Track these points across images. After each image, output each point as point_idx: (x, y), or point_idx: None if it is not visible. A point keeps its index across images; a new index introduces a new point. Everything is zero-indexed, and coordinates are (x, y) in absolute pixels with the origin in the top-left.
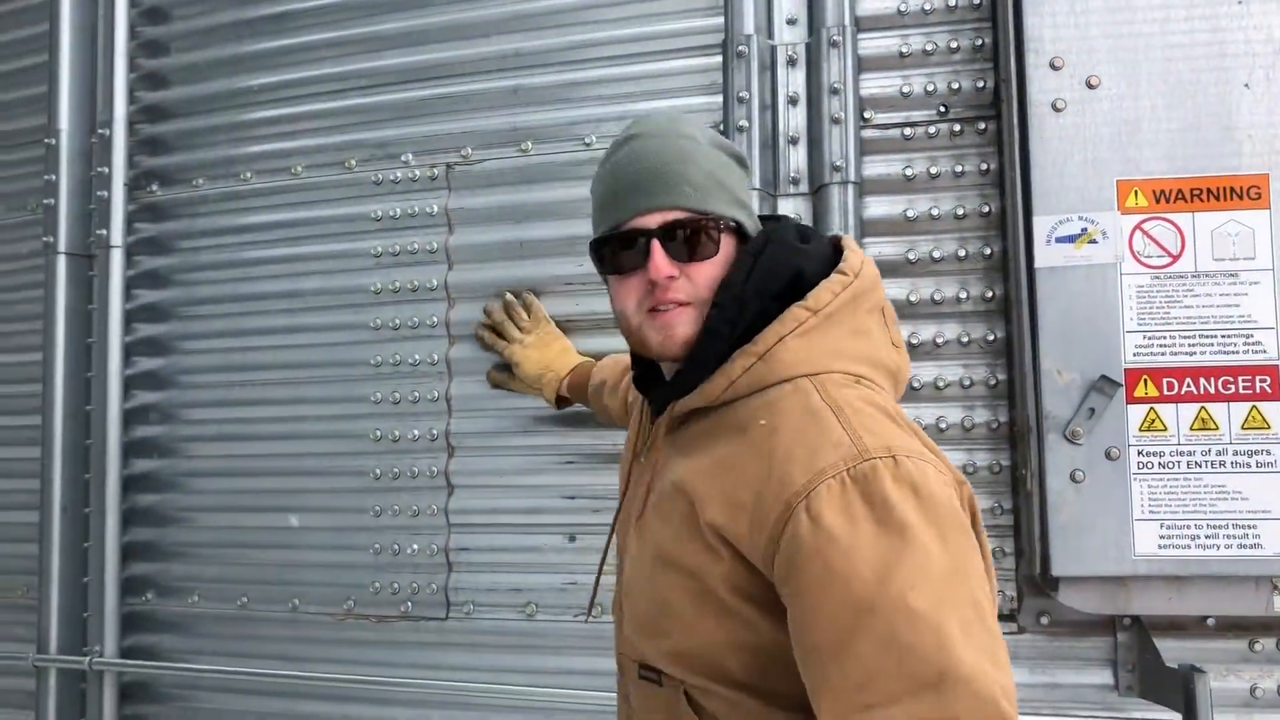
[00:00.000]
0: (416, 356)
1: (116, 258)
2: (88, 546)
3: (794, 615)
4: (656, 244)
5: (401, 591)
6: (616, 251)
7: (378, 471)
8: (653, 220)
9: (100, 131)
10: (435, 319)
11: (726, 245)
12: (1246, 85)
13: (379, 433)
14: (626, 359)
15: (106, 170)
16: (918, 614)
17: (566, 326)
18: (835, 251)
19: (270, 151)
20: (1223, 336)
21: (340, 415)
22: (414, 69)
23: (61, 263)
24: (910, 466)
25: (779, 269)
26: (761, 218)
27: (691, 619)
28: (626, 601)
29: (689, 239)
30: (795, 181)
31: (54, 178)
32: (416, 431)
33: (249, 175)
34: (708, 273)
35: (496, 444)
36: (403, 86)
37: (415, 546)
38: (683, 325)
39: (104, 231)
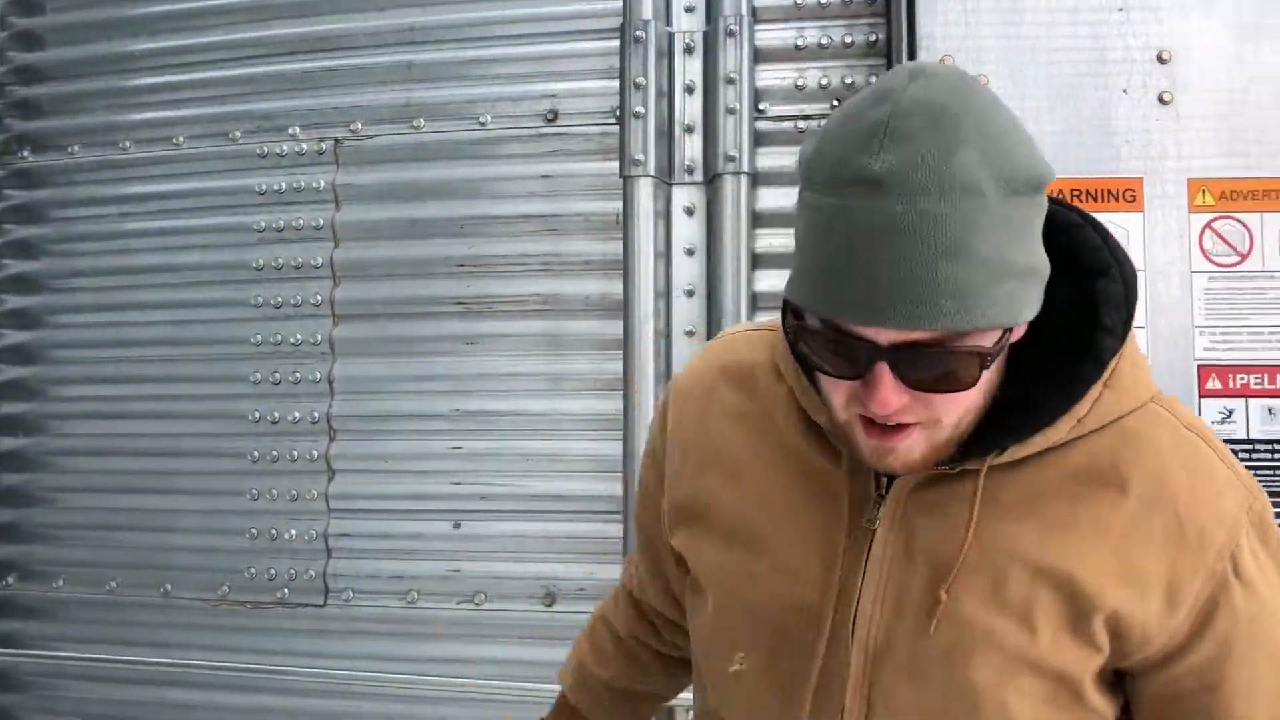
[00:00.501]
0: (299, 336)
1: None
2: None
3: (1209, 703)
4: (885, 370)
5: (278, 577)
6: (823, 344)
7: (256, 454)
8: (884, 337)
9: None
10: (320, 297)
11: (990, 368)
12: (1125, 91)
13: (258, 414)
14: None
15: None
16: None
17: (458, 310)
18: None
19: (151, 120)
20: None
21: (218, 395)
22: (304, 40)
23: None
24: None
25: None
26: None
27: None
28: None
29: (936, 367)
30: (690, 170)
31: None
32: (297, 413)
33: (128, 144)
34: (960, 400)
35: (381, 428)
36: (291, 58)
37: (293, 532)
38: (913, 450)
39: None
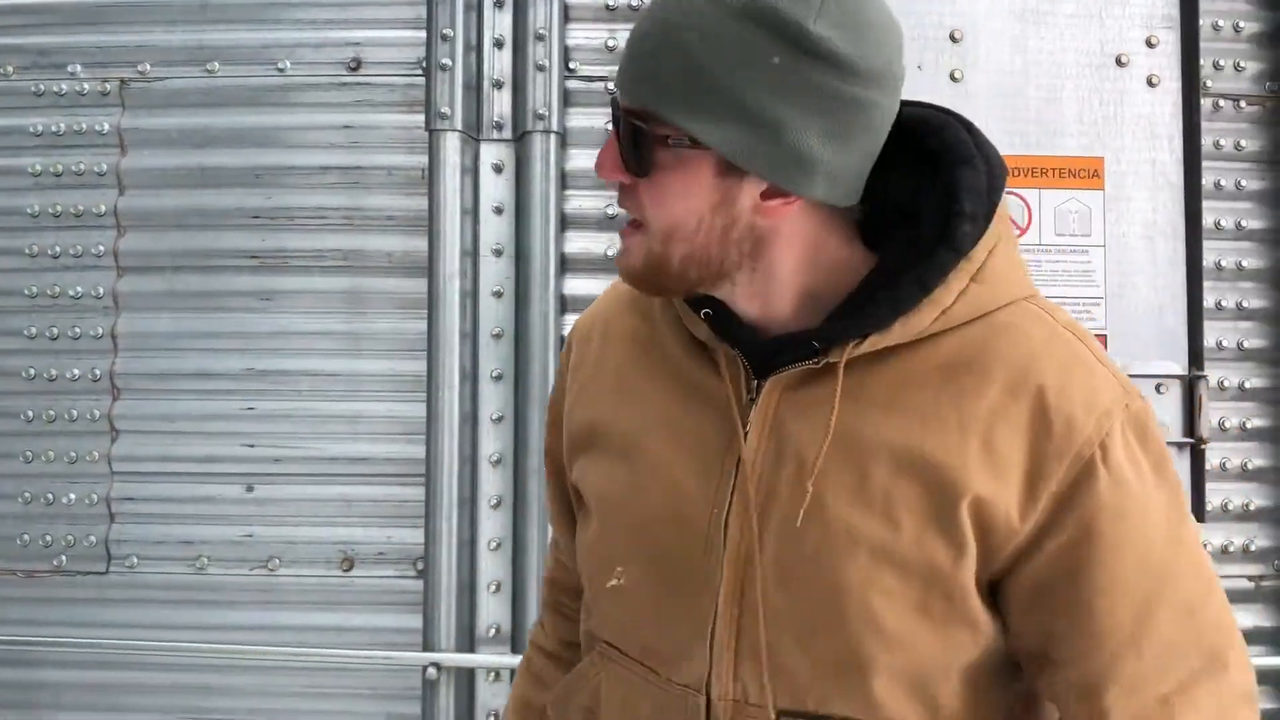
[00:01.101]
0: (79, 288)
1: None
2: None
3: (1069, 589)
4: (612, 134)
5: (55, 544)
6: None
7: (30, 414)
8: (621, 104)
9: None
10: (102, 248)
11: (688, 167)
12: (919, 67)
13: (33, 371)
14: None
15: None
16: (1207, 578)
17: (252, 265)
18: None
19: None
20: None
21: None
22: None
23: None
24: (1147, 406)
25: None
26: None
27: (910, 634)
28: (765, 627)
29: (626, 147)
30: (499, 126)
31: None
32: (77, 370)
33: None
34: (648, 195)
35: (169, 386)
36: None
37: (72, 495)
38: (632, 251)
39: None
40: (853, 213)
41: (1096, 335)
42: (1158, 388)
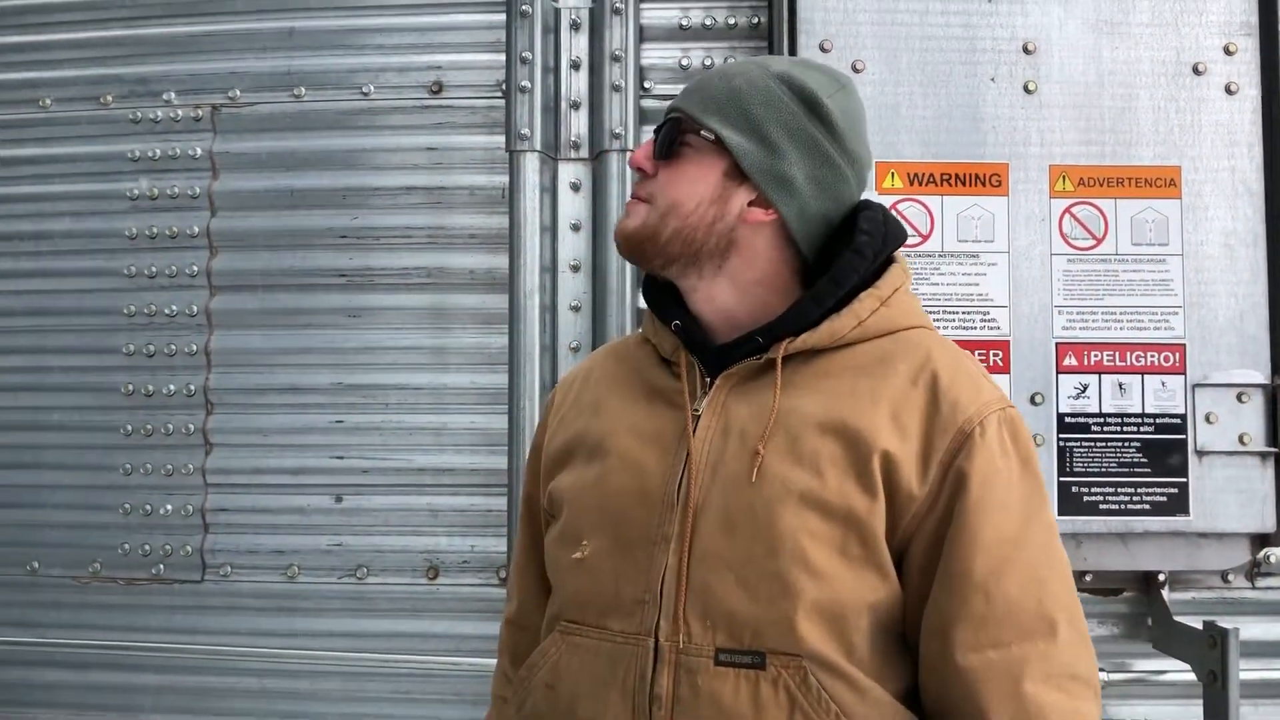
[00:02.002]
0: (174, 307)
1: None
2: None
3: (943, 542)
4: (651, 134)
5: (153, 553)
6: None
7: (129, 428)
8: (670, 112)
9: None
10: (196, 268)
11: (703, 162)
12: (992, 79)
13: (131, 386)
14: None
15: None
16: (1055, 557)
17: (340, 283)
18: None
19: (14, 81)
20: (963, 313)
21: (90, 367)
22: (181, 3)
23: None
24: (1020, 419)
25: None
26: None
27: (831, 571)
28: (709, 570)
29: (663, 137)
30: (576, 146)
31: None
32: (172, 386)
33: None
34: (666, 177)
35: (261, 401)
36: (167, 20)
37: (169, 507)
38: (634, 215)
39: None
40: (802, 265)
41: (1175, 345)
42: (1239, 396)
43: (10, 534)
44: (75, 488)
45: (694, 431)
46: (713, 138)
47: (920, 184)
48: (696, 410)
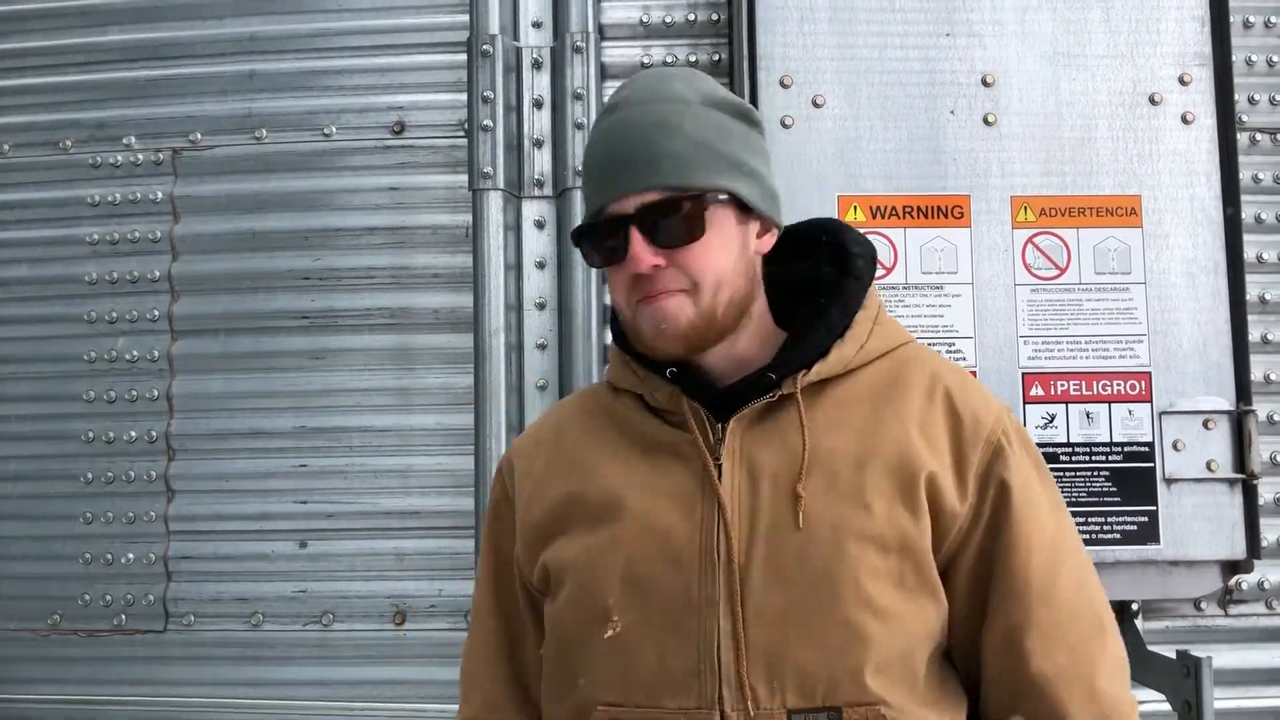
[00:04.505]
0: (135, 352)
1: None
2: None
3: (992, 554)
4: (635, 232)
5: (115, 603)
6: (599, 241)
7: (89, 475)
8: (630, 204)
9: None
10: (157, 312)
11: (723, 221)
12: (952, 112)
13: (91, 434)
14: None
15: None
16: (1083, 551)
17: (303, 325)
18: None
19: None
20: (929, 344)
21: (48, 415)
22: (140, 47)
23: None
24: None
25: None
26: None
27: (896, 608)
28: (768, 628)
29: (671, 222)
30: (540, 184)
31: None
32: (134, 432)
33: None
34: (700, 256)
35: (223, 446)
36: (126, 65)
37: (131, 555)
38: (680, 312)
39: None
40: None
41: (1140, 373)
42: (1205, 424)
43: None
44: (34, 538)
45: (721, 482)
46: (725, 197)
47: (883, 217)
48: (717, 461)
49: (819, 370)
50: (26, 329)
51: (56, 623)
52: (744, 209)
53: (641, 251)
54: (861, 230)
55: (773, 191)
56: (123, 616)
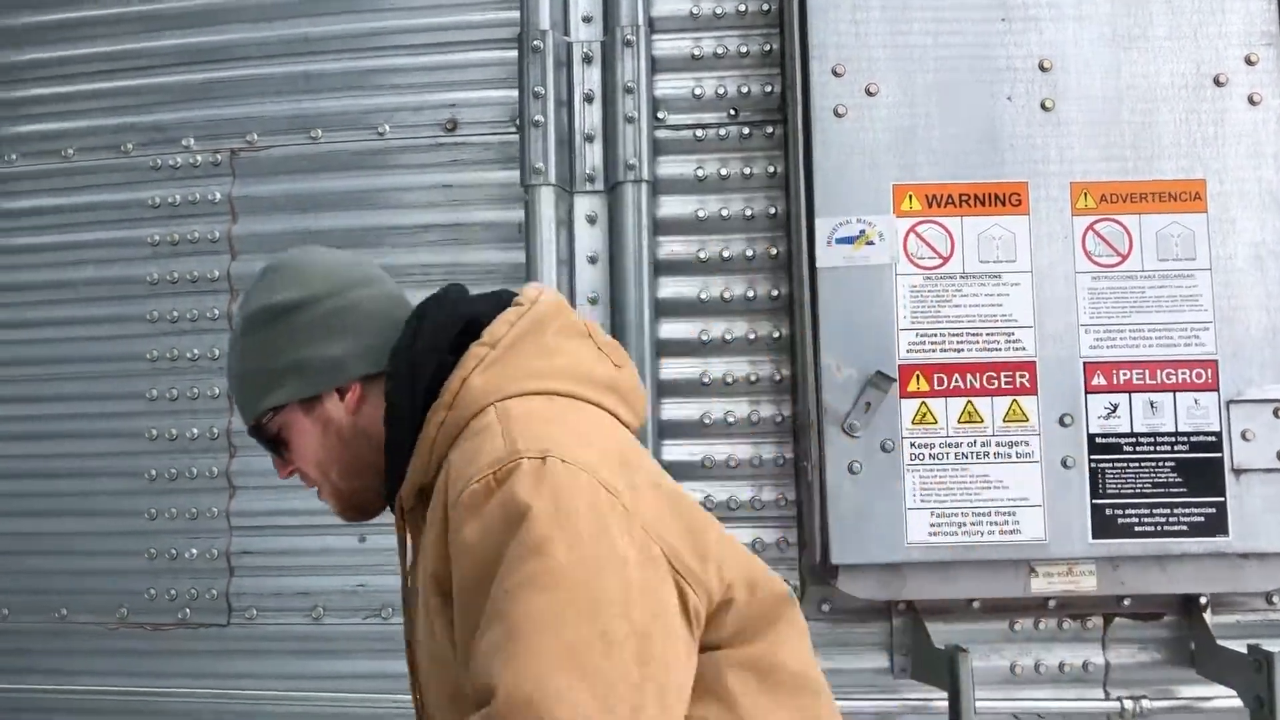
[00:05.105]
0: (196, 351)
1: None
2: None
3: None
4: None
5: (179, 597)
6: None
7: (153, 472)
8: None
9: None
10: (217, 311)
11: (293, 423)
12: (1009, 98)
13: (155, 431)
14: None
15: None
16: (519, 627)
17: None
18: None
19: (39, 132)
20: (987, 335)
21: (113, 413)
22: (197, 50)
23: None
24: (560, 470)
25: (446, 321)
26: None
27: (455, 690)
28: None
29: (265, 445)
30: (591, 179)
31: None
32: (196, 430)
33: (14, 157)
34: (299, 460)
35: None
36: (185, 68)
37: (194, 550)
38: (329, 501)
39: None
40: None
41: (1206, 361)
42: (1276, 412)
43: (38, 581)
44: (101, 534)
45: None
46: (271, 413)
47: (939, 205)
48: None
49: (406, 487)
50: (91, 329)
51: (124, 616)
52: (306, 400)
53: (277, 467)
54: (917, 220)
55: (333, 360)
56: (187, 610)
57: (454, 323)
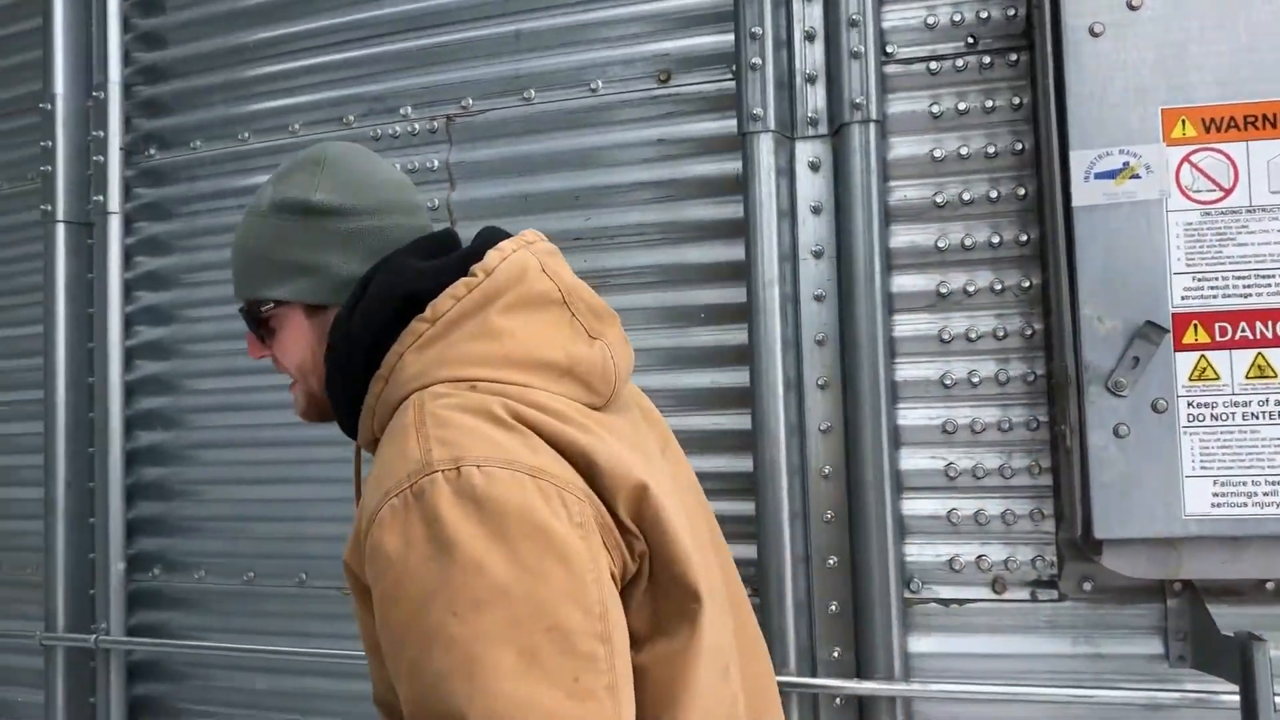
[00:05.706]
0: None
1: (115, 224)
2: (93, 522)
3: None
4: (248, 329)
5: None
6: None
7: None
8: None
9: (95, 94)
10: None
11: (290, 321)
12: None
13: None
14: None
15: (103, 134)
16: (454, 642)
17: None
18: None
19: (268, 110)
20: None
21: None
22: (411, 17)
23: (60, 231)
24: (476, 477)
25: (386, 295)
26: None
27: (376, 665)
28: None
29: (251, 327)
30: (814, 123)
31: (50, 144)
32: None
33: (247, 135)
34: (281, 354)
35: None
36: (400, 36)
37: None
38: (296, 398)
39: (101, 197)
40: None
41: None
42: None
43: (280, 547)
44: (338, 500)
45: None
46: (271, 306)
47: (1219, 130)
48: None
49: (360, 445)
50: None
51: (302, 581)
52: (311, 305)
53: (250, 345)
54: (1193, 148)
55: (351, 277)
56: None
57: (393, 298)
